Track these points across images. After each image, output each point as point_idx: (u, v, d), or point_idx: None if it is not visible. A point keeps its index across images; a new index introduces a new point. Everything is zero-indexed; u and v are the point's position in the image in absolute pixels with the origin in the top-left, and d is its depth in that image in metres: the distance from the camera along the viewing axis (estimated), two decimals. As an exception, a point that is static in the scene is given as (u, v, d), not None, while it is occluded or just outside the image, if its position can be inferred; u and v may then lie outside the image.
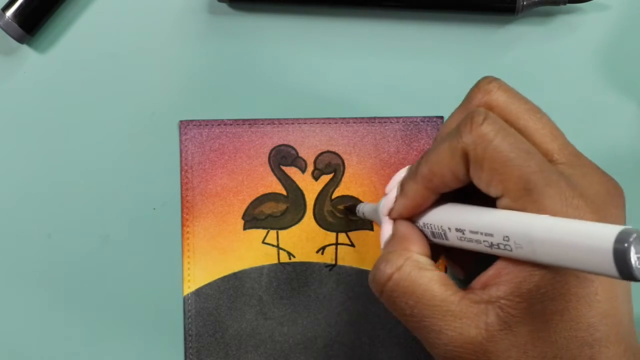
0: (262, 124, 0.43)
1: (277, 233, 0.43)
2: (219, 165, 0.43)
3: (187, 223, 0.42)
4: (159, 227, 0.43)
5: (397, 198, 0.34)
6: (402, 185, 0.34)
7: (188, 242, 0.42)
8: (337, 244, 0.43)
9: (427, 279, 0.31)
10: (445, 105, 0.43)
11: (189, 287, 0.42)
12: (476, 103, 0.33)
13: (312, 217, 0.43)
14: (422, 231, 0.34)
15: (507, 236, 0.29)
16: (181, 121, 0.43)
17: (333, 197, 0.43)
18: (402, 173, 0.35)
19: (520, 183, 0.29)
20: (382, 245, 0.35)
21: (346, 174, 0.43)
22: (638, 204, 0.44)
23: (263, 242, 0.43)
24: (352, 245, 0.43)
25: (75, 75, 0.43)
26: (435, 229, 0.33)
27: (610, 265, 0.24)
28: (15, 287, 0.43)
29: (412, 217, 0.34)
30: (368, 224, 0.43)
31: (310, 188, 0.43)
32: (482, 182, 0.30)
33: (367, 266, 0.43)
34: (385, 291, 0.32)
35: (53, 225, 0.43)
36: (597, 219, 0.30)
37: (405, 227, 0.34)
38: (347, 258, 0.43)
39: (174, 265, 0.42)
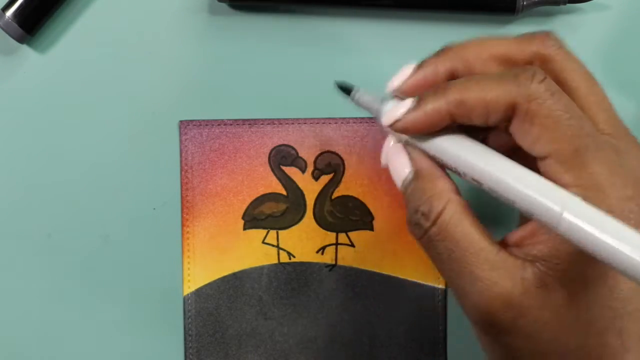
0: (262, 124, 0.43)
1: (277, 233, 0.43)
2: (219, 165, 0.43)
3: (187, 223, 0.42)
4: (159, 227, 0.43)
5: (410, 110, 0.31)
6: (423, 98, 0.31)
7: (188, 242, 0.42)
8: (337, 244, 0.43)
9: (468, 225, 0.31)
10: (445, 105, 0.43)
11: (189, 287, 0.42)
12: (533, 49, 0.32)
13: (312, 217, 0.43)
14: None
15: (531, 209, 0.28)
16: (181, 121, 0.43)
17: (333, 197, 0.43)
18: (408, 70, 0.33)
19: (572, 143, 0.29)
20: (397, 179, 0.33)
21: (346, 174, 0.43)
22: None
23: (263, 242, 0.43)
24: (352, 245, 0.43)
25: (75, 75, 0.43)
26: (448, 164, 0.31)
27: (637, 273, 0.25)
28: (15, 287, 0.43)
29: (416, 134, 0.32)
30: (368, 224, 0.43)
31: (310, 188, 0.43)
32: (528, 137, 0.30)
33: (367, 266, 0.43)
34: (428, 235, 0.31)
35: (53, 225, 0.43)
36: (636, 194, 0.29)
37: (429, 163, 0.32)
38: (347, 258, 0.43)
39: (174, 265, 0.42)
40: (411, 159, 0.33)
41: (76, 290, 0.43)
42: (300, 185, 0.43)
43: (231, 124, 0.43)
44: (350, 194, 0.43)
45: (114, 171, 0.43)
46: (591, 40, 0.45)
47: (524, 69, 0.30)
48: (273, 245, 0.43)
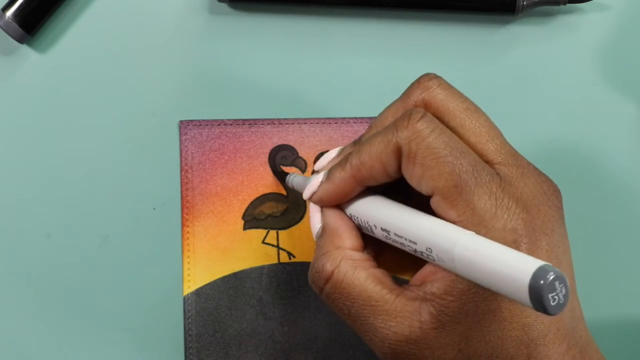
0: (262, 124, 0.43)
1: (277, 233, 0.43)
2: (219, 165, 0.43)
3: (187, 223, 0.42)
4: (159, 227, 0.43)
5: (322, 183, 0.34)
6: (330, 171, 0.34)
7: (188, 242, 0.42)
8: (337, 244, 0.43)
9: (363, 279, 0.32)
10: (445, 105, 0.43)
11: (189, 287, 0.42)
12: (415, 98, 0.33)
13: (312, 217, 0.43)
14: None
15: (430, 248, 0.29)
16: (181, 121, 0.43)
17: (333, 197, 0.43)
18: (333, 153, 0.35)
19: (451, 180, 0.29)
20: (313, 234, 0.35)
21: (346, 174, 0.43)
22: (638, 202, 0.45)
23: (263, 242, 0.43)
24: (352, 245, 0.43)
25: (75, 75, 0.43)
26: (362, 222, 0.33)
27: (525, 298, 0.25)
28: (15, 287, 0.42)
29: (335, 205, 0.34)
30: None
31: (310, 188, 0.43)
32: (414, 177, 0.31)
33: (367, 266, 0.43)
34: (324, 293, 0.33)
35: (53, 225, 0.43)
36: (529, 218, 0.30)
37: (334, 219, 0.34)
38: (347, 258, 0.43)
39: (174, 265, 0.42)
40: (323, 215, 0.35)
41: (76, 291, 0.42)
42: (300, 185, 0.43)
43: (231, 124, 0.43)
44: (350, 194, 0.43)
45: (114, 171, 0.43)
46: (591, 40, 0.45)
47: (402, 114, 0.31)
48: (273, 245, 0.43)
